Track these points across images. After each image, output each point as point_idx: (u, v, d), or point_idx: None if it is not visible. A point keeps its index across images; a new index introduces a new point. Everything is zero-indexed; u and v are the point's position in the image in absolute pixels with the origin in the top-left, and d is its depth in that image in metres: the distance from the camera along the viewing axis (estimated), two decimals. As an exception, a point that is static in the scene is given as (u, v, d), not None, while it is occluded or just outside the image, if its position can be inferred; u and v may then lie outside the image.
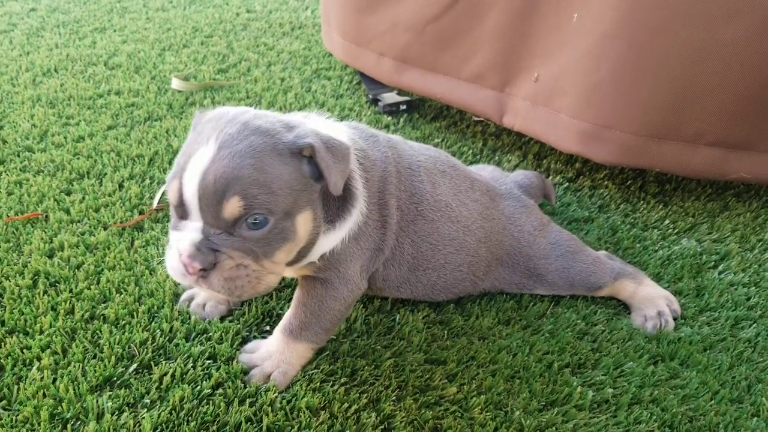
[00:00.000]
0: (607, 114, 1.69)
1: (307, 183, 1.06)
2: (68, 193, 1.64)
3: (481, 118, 2.17)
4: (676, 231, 1.69)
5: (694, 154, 1.71)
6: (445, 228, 1.31)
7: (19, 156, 1.79)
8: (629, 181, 1.90)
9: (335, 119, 1.23)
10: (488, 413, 1.15)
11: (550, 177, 1.89)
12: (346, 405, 1.13)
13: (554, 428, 1.13)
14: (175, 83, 2.26)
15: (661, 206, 1.80)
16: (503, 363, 1.25)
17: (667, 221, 1.73)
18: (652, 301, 1.42)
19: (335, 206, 1.14)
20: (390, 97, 2.23)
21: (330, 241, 1.15)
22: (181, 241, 1.02)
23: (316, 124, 1.14)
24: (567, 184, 1.87)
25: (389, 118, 2.16)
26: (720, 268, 1.57)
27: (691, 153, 1.71)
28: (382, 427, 1.11)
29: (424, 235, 1.29)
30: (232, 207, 0.98)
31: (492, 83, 1.89)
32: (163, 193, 1.64)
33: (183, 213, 1.03)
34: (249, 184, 0.98)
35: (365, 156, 1.20)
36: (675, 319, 1.41)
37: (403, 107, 2.22)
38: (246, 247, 1.02)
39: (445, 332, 1.32)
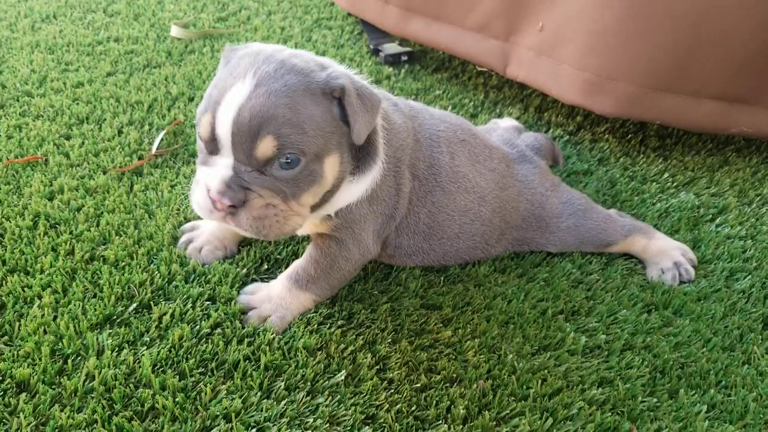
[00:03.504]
0: (610, 64, 1.67)
1: (337, 125, 1.06)
2: (68, 138, 1.64)
3: (485, 69, 2.15)
4: (674, 185, 1.70)
5: (697, 107, 1.70)
6: (462, 199, 1.31)
7: (18, 101, 1.79)
8: (630, 135, 1.90)
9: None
10: (482, 356, 1.16)
11: (551, 130, 1.88)
12: (342, 346, 1.15)
13: (546, 371, 1.15)
14: (175, 31, 2.23)
15: (660, 160, 1.80)
16: (498, 309, 1.27)
17: (666, 175, 1.73)
18: (665, 253, 1.42)
19: (357, 158, 1.13)
20: (391, 48, 2.21)
21: (350, 192, 1.15)
22: (211, 176, 1.02)
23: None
24: (567, 137, 1.86)
25: (390, 69, 2.14)
26: (717, 221, 1.58)
27: (693, 106, 1.70)
28: (378, 367, 1.13)
29: (441, 206, 1.29)
30: (266, 146, 0.99)
31: (497, 32, 1.87)
32: (162, 139, 1.64)
33: (214, 148, 1.03)
34: (283, 123, 0.98)
35: (387, 119, 1.20)
36: (694, 267, 1.42)
37: (405, 58, 2.20)
38: (276, 186, 1.02)
39: (442, 279, 1.34)
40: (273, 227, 1.05)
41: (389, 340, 1.18)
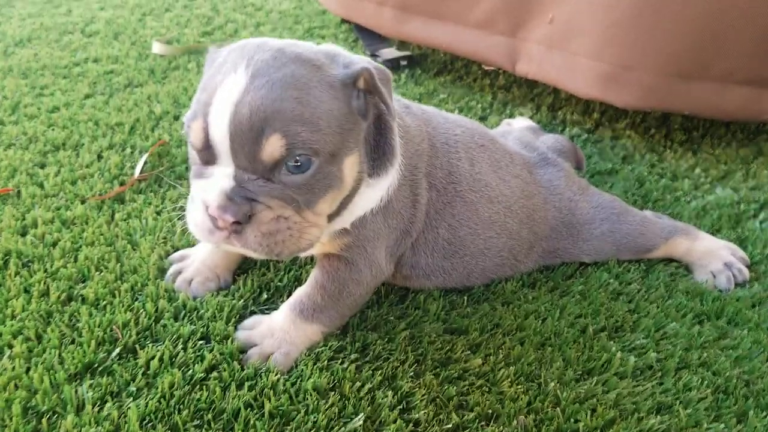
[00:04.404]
0: (629, 53, 1.54)
1: (355, 120, 0.92)
2: (42, 166, 1.50)
3: (492, 68, 2.01)
4: (708, 180, 1.55)
5: (725, 94, 1.56)
6: (486, 210, 1.16)
7: (-12, 130, 1.65)
8: (653, 130, 1.76)
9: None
10: (519, 386, 1.01)
11: (567, 129, 1.74)
12: (358, 384, 1.00)
13: (595, 400, 1.00)
14: (157, 47, 2.10)
15: (689, 154, 1.66)
16: (532, 329, 1.12)
17: (698, 170, 1.59)
18: (713, 253, 1.28)
19: (372, 158, 0.99)
20: (389, 53, 2.08)
21: (368, 197, 1.01)
22: (209, 190, 0.86)
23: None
24: (586, 135, 1.72)
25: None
26: (761, 217, 1.43)
27: (721, 92, 1.56)
28: (401, 407, 0.98)
29: (462, 219, 1.14)
30: (272, 147, 0.83)
31: (502, 28, 1.73)
32: (146, 162, 1.50)
33: (209, 157, 0.87)
34: (292, 119, 0.83)
35: (401, 122, 1.06)
36: (747, 267, 1.28)
37: (404, 62, 2.06)
38: (286, 195, 0.87)
39: (465, 298, 1.19)
40: (287, 243, 0.89)
41: (411, 374, 1.03)
